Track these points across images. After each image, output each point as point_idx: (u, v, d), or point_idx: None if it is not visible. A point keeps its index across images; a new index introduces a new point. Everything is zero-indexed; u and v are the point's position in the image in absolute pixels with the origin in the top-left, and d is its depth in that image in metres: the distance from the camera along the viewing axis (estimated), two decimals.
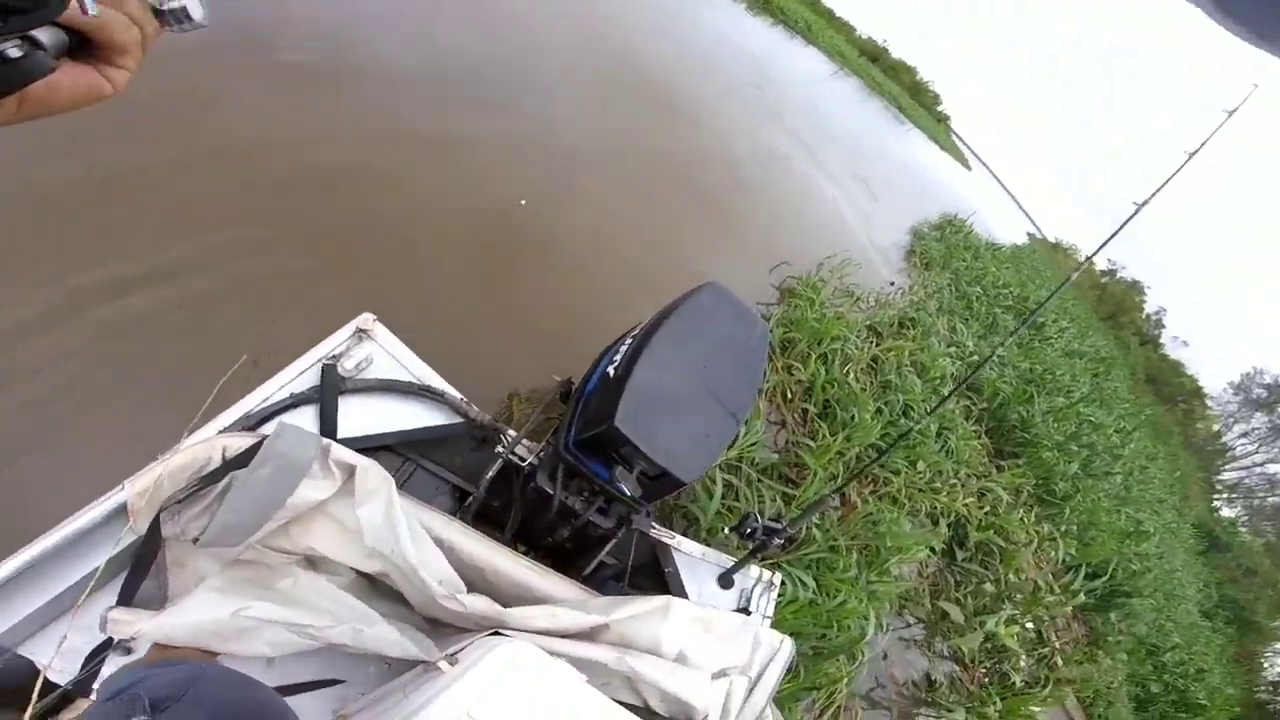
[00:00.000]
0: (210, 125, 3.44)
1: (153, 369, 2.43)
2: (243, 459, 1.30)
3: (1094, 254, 2.39)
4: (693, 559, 2.05)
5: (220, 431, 1.43)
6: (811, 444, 4.33)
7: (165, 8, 0.52)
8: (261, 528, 1.33)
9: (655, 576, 1.99)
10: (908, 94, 33.59)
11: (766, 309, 5.54)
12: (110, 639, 1.32)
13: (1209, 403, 40.94)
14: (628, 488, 1.58)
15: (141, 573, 1.34)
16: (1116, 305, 40.05)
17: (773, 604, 2.07)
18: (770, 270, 6.14)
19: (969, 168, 37.50)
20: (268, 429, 1.47)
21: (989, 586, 4.94)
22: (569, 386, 2.00)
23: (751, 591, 2.05)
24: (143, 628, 1.25)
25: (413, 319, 1.90)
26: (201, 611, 1.29)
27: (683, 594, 1.95)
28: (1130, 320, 40.49)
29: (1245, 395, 41.11)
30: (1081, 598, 5.92)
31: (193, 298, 2.69)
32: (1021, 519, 5.78)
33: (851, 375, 5.05)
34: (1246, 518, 34.10)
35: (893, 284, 8.44)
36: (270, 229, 3.21)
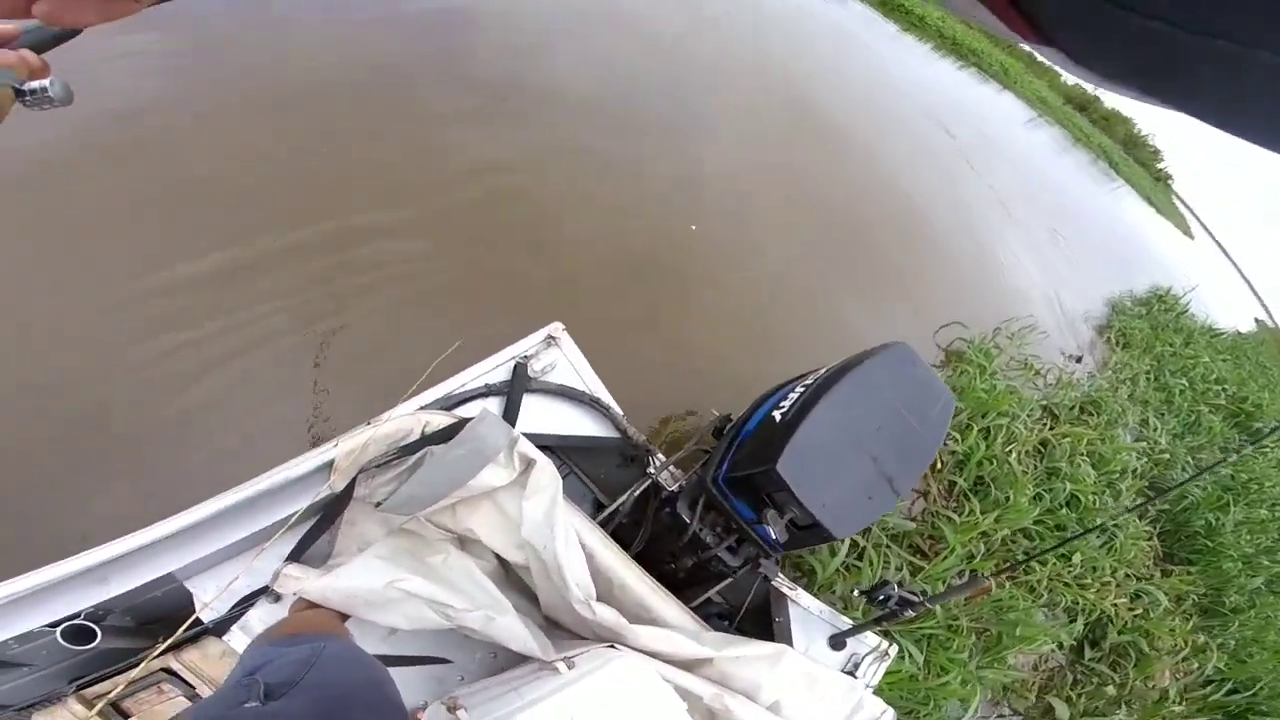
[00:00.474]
0: (416, 135, 3.95)
1: (360, 341, 2.82)
2: (440, 435, 1.45)
3: None
4: (807, 613, 1.98)
5: (421, 408, 1.58)
6: (955, 518, 4.02)
7: (26, 88, 0.51)
8: (438, 501, 1.47)
9: (763, 623, 1.95)
10: (1121, 148, 29.64)
11: None
12: (264, 586, 1.43)
13: None
14: (775, 532, 1.56)
15: (326, 525, 1.47)
16: None
17: (881, 674, 1.95)
18: (937, 330, 5.72)
19: (1191, 236, 32.32)
20: (462, 411, 1.62)
21: (1110, 689, 4.38)
22: (725, 422, 2.01)
23: (863, 658, 1.94)
24: (307, 586, 1.37)
25: (576, 330, 2.05)
26: (362, 579, 1.40)
27: (789, 646, 1.90)
28: None
29: None
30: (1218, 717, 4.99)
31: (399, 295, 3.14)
32: (1174, 628, 4.97)
33: (1014, 455, 4.58)
34: None
35: (1078, 360, 7.50)
36: (468, 231, 3.64)
